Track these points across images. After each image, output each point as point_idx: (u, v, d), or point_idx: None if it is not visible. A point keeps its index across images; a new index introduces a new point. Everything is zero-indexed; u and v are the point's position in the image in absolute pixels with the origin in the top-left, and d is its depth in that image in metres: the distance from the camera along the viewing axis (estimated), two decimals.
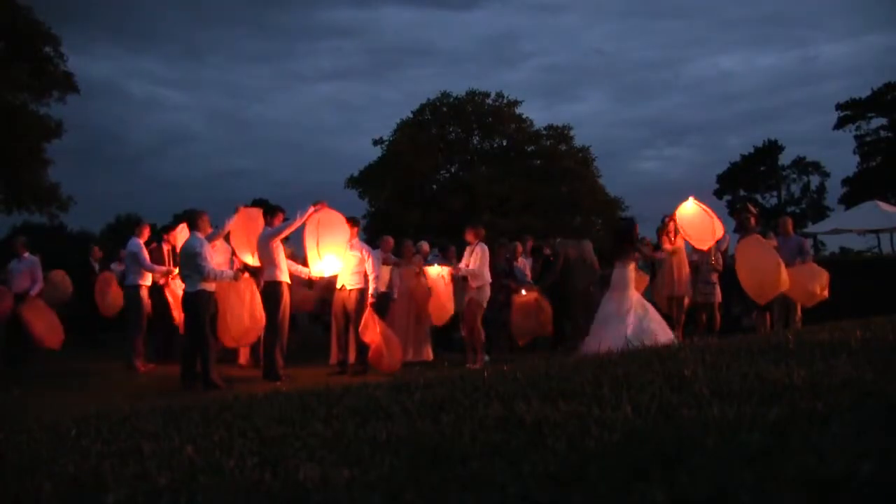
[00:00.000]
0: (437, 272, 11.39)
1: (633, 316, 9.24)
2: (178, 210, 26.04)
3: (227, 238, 10.17)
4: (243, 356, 10.98)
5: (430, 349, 11.59)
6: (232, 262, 10.46)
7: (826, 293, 10.04)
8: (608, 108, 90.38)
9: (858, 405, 2.39)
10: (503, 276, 12.21)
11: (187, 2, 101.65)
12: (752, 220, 11.04)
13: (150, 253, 11.19)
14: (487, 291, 10.83)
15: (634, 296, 9.55)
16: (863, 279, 12.93)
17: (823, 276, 10.10)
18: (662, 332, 9.09)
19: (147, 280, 10.91)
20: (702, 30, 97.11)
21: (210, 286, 9.06)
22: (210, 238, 9.49)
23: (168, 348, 11.39)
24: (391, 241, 11.88)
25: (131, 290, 10.83)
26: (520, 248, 13.27)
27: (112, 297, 12.76)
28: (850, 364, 3.17)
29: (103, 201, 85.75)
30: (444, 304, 11.32)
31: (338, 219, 10.06)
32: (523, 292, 12.13)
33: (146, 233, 11.14)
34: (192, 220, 9.40)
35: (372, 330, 9.89)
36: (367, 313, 9.99)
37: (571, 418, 2.52)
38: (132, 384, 9.31)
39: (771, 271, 9.70)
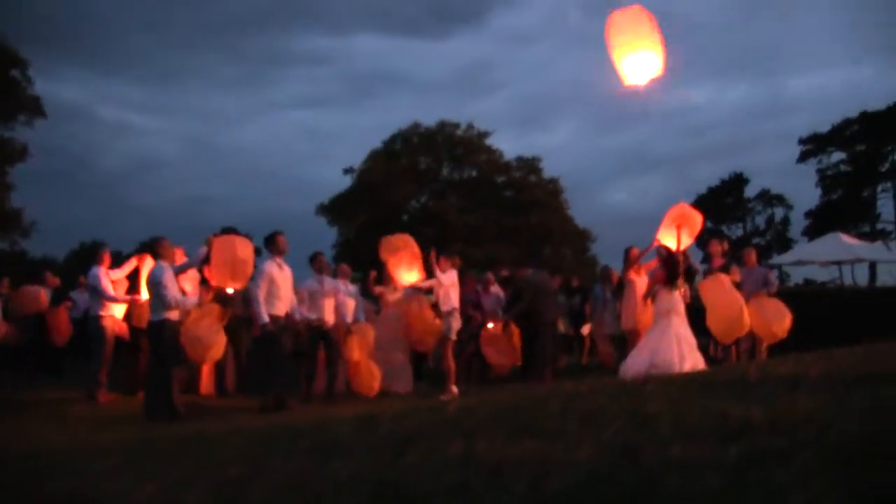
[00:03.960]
0: (421, 298, 11.36)
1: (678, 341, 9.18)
2: (147, 237, 25.81)
3: (200, 267, 10.06)
4: (205, 386, 10.83)
5: (410, 379, 11.51)
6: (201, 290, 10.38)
7: (786, 334, 10.21)
8: (579, 138, 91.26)
9: (818, 442, 2.40)
10: (470, 306, 12.22)
11: (159, 26, 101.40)
12: (719, 256, 11.25)
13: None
14: (458, 322, 10.81)
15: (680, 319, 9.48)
16: (826, 310, 13.12)
17: (787, 318, 10.28)
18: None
19: (110, 310, 10.64)
20: (672, 60, 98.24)
21: (174, 315, 8.95)
22: (183, 268, 9.43)
23: (136, 379, 11.17)
24: (347, 269, 11.79)
25: (93, 321, 10.59)
26: (491, 278, 13.30)
27: (60, 327, 12.65)
28: (810, 399, 3.19)
29: (71, 227, 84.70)
30: (427, 331, 11.25)
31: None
32: (490, 325, 12.13)
33: (107, 260, 10.91)
34: (156, 248, 9.30)
35: (351, 354, 9.91)
36: (350, 337, 10.15)
37: (533, 457, 2.50)
38: (95, 415, 9.14)
39: (734, 315, 9.88)
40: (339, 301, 10.64)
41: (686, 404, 3.44)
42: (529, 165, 47.55)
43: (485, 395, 9.25)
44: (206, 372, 10.77)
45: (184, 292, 9.48)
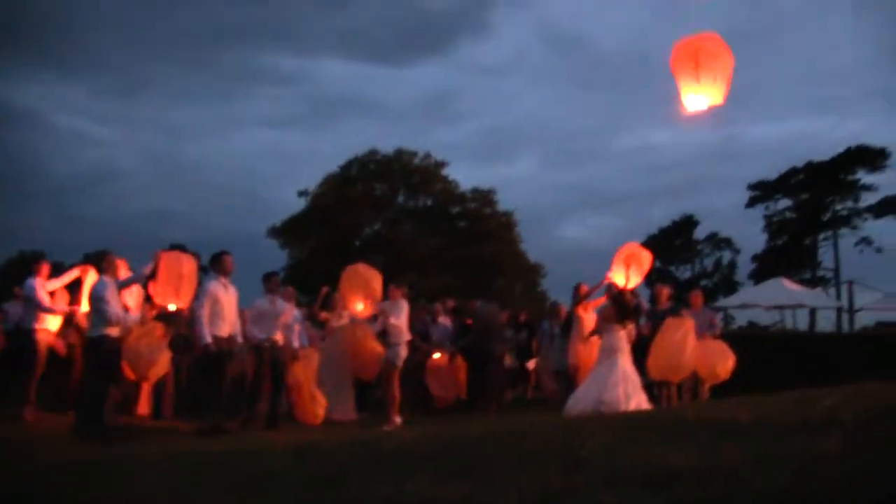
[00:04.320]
0: (365, 327, 11.25)
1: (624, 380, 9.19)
2: (93, 249, 25.27)
3: (145, 283, 9.86)
4: (142, 407, 10.56)
5: (353, 407, 11.38)
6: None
7: (728, 375, 10.39)
8: (538, 173, 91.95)
9: (741, 495, 2.41)
10: (419, 337, 12.18)
11: (123, 34, 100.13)
12: (666, 299, 11.41)
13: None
14: (405, 351, 10.76)
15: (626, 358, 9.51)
16: (768, 353, 13.35)
17: (730, 360, 10.47)
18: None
19: (45, 323, 10.27)
20: (634, 102, 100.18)
21: (114, 331, 8.76)
22: (126, 283, 9.25)
23: (67, 395, 10.82)
24: (293, 292, 11.65)
25: (26, 334, 10.20)
26: (440, 309, 13.28)
27: None
28: (739, 448, 3.22)
29: (15, 236, 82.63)
30: (370, 360, 11.15)
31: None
32: (437, 355, 12.10)
33: (46, 271, 10.57)
34: (100, 262, 9.12)
35: (296, 379, 9.79)
36: (295, 362, 10.04)
37: (459, 502, 2.48)
38: (20, 436, 8.84)
39: (679, 363, 10.03)
40: (287, 324, 10.51)
41: (619, 449, 3.45)
42: (485, 197, 47.78)
43: (428, 426, 9.20)
44: (144, 392, 10.50)
45: (126, 308, 9.28)
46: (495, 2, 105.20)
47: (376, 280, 11.29)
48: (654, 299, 11.55)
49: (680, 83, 6.60)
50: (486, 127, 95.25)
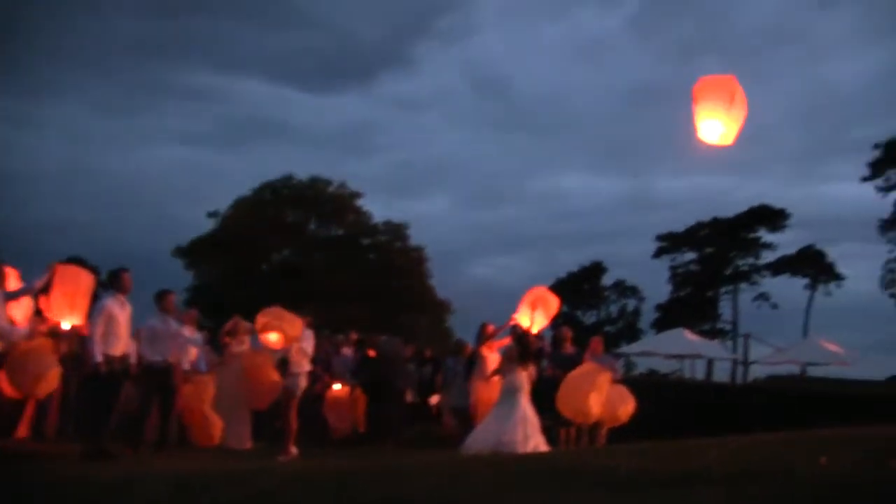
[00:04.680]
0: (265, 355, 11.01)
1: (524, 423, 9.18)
2: None
3: (36, 296, 9.45)
4: (22, 428, 10.05)
5: (248, 435, 11.11)
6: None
7: (627, 418, 10.57)
8: (451, 211, 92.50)
9: None
10: (320, 367, 12.05)
11: (34, 36, 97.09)
12: (569, 342, 11.57)
13: None
14: (305, 381, 10.60)
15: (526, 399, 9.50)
16: (667, 399, 13.66)
17: (630, 404, 10.65)
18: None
19: None
20: (550, 148, 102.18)
21: None
22: (16, 295, 8.87)
23: None
24: (195, 315, 11.39)
25: None
26: (343, 340, 13.18)
27: None
28: (614, 499, 3.25)
29: None
30: (267, 388, 10.91)
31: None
32: (337, 386, 11.98)
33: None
34: None
35: (189, 402, 9.57)
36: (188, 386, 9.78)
37: None
38: None
39: (585, 404, 10.16)
40: (181, 345, 10.20)
41: (495, 496, 3.44)
42: (397, 231, 47.83)
43: (324, 458, 9.07)
44: (26, 414, 9.95)
45: (12, 321, 8.89)
46: (421, 37, 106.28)
47: (296, 323, 10.99)
48: (557, 342, 11.70)
49: (703, 112, 6.86)
50: (402, 161, 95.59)
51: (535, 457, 7.45)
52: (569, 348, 11.69)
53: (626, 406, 10.68)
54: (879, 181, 48.39)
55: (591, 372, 10.45)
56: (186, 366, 10.32)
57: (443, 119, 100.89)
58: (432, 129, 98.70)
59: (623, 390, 10.95)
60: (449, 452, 9.40)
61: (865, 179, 48.92)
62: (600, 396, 10.21)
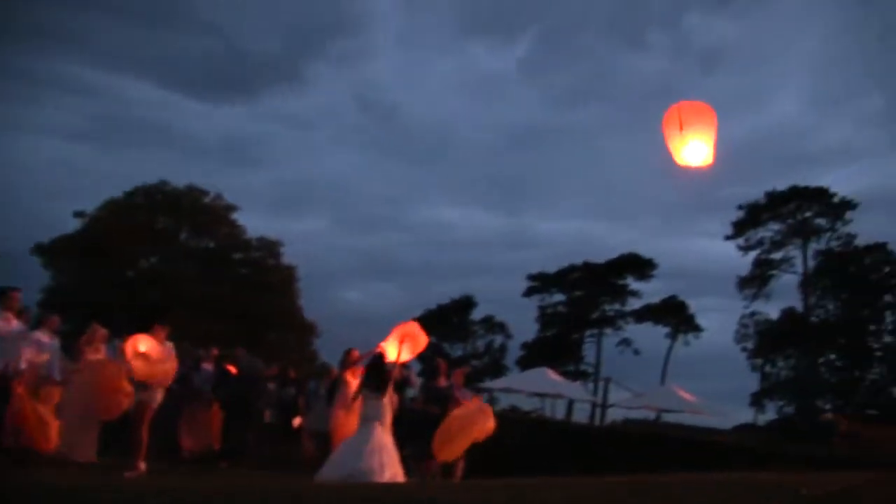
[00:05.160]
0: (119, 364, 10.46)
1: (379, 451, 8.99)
2: None
3: None
4: None
5: (94, 448, 10.47)
6: None
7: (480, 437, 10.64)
8: (328, 232, 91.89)
9: None
10: (178, 381, 11.60)
11: None
12: (444, 375, 11.55)
13: None
14: (160, 394, 10.16)
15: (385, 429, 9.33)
16: (526, 436, 13.81)
17: (490, 422, 10.71)
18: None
19: None
20: (432, 178, 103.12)
21: None
22: None
23: None
24: (56, 321, 10.80)
25: None
26: (204, 355, 12.77)
27: None
28: None
29: None
30: (117, 401, 10.35)
31: None
32: (194, 402, 11.58)
33: None
34: None
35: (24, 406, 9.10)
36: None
37: None
38: None
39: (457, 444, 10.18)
40: (24, 346, 9.58)
41: None
42: (270, 248, 47.01)
43: (170, 476, 8.74)
44: None
45: None
46: (314, 56, 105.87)
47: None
48: (432, 374, 11.61)
49: (675, 138, 6.98)
50: (283, 178, 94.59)
51: (387, 487, 7.36)
52: (442, 381, 11.64)
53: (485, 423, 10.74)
54: (741, 240, 51.37)
55: (475, 418, 10.49)
56: (22, 366, 9.67)
57: (328, 140, 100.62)
58: (317, 149, 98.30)
59: (486, 409, 11.01)
60: (303, 478, 9.22)
61: (728, 238, 51.75)
62: (472, 435, 10.27)
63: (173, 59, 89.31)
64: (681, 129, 6.85)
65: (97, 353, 10.77)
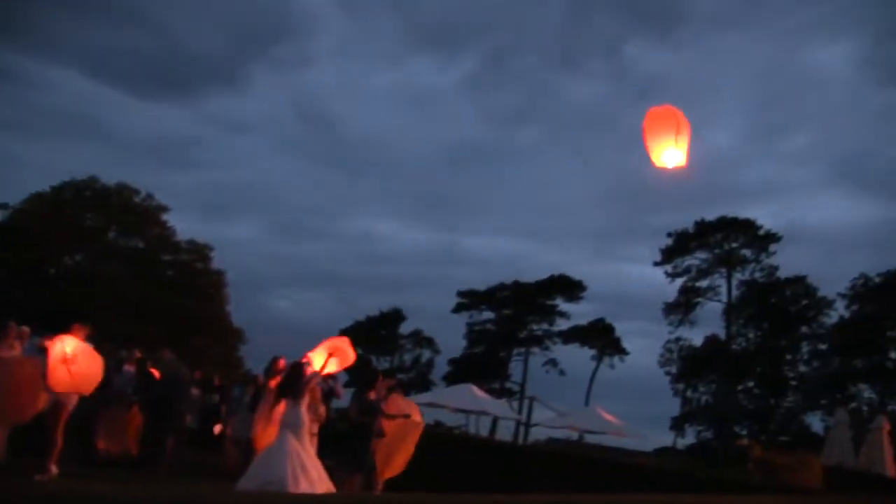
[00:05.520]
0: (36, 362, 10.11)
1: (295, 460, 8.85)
2: None
3: None
4: None
5: (4, 450, 10.08)
6: None
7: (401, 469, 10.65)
8: (260, 239, 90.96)
9: None
10: (98, 383, 11.31)
11: None
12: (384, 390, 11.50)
13: None
14: (76, 396, 9.88)
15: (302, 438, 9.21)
16: (449, 452, 13.82)
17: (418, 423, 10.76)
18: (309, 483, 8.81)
19: None
20: (367, 190, 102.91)
21: None
22: None
23: None
24: None
25: None
26: (126, 357, 12.50)
27: None
28: None
29: None
30: (29, 400, 10.01)
31: None
32: (113, 405, 11.31)
33: None
34: None
35: None
36: None
37: None
38: None
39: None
40: None
41: None
42: (200, 251, 46.30)
43: (84, 480, 8.52)
44: None
45: None
46: (255, 60, 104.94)
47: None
48: (365, 386, 11.46)
49: (655, 142, 7.21)
50: (217, 182, 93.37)
51: (300, 498, 7.29)
52: (373, 394, 11.55)
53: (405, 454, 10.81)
54: (668, 267, 52.37)
55: (408, 430, 10.52)
56: None
57: (265, 145, 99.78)
58: (253, 155, 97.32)
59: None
60: (223, 486, 9.08)
61: (657, 264, 52.74)
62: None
63: (109, 52, 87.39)
64: (679, 129, 7.10)
65: (11, 351, 10.41)
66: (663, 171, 7.24)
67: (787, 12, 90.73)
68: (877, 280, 46.56)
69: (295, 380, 9.52)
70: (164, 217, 46.13)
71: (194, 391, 13.25)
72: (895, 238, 75.33)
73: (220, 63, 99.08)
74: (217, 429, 13.97)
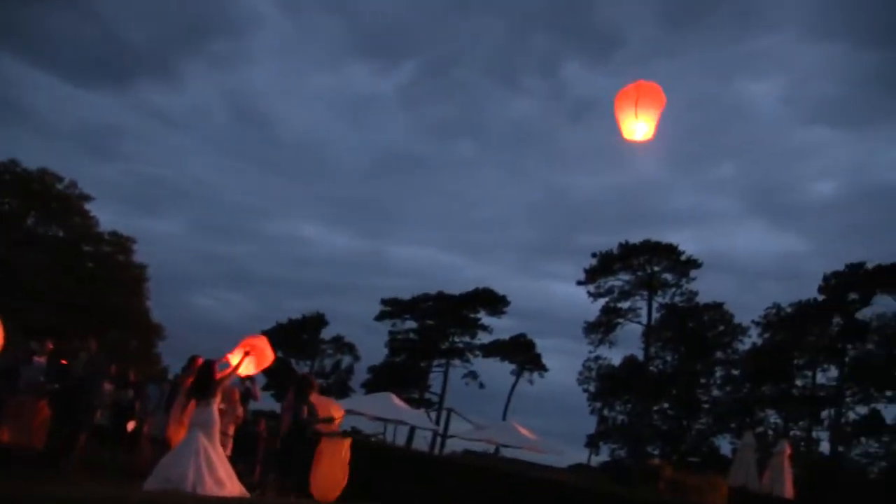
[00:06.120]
0: None
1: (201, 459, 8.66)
2: None
3: None
4: None
5: None
6: None
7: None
8: (185, 235, 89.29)
9: None
10: (5, 374, 10.98)
11: None
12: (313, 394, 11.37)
13: None
14: None
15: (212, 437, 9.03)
16: (368, 461, 13.74)
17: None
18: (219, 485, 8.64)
19: None
20: (297, 193, 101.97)
21: None
22: None
23: None
24: None
25: None
26: (37, 348, 12.09)
27: None
28: None
29: None
30: None
31: None
32: (21, 398, 10.96)
33: None
34: None
35: None
36: None
37: None
38: None
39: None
40: None
41: None
42: (123, 244, 45.26)
43: None
44: None
45: None
46: (190, 54, 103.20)
47: None
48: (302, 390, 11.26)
49: (623, 116, 7.37)
50: (145, 174, 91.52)
51: (202, 500, 7.18)
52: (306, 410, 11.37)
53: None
54: (591, 287, 53.11)
55: (336, 447, 10.45)
56: None
57: (196, 141, 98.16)
58: (183, 149, 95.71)
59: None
60: (132, 485, 8.89)
61: (580, 283, 53.46)
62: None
63: (41, 34, 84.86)
64: (636, 107, 7.25)
65: None
66: (632, 142, 7.45)
67: (720, 46, 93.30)
68: (788, 310, 48.26)
69: (207, 379, 9.39)
70: (87, 207, 45.03)
71: (107, 386, 12.91)
72: (808, 270, 77.90)
73: (157, 55, 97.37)
74: (130, 426, 13.65)
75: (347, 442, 10.75)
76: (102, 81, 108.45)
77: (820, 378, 47.37)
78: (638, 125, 7.31)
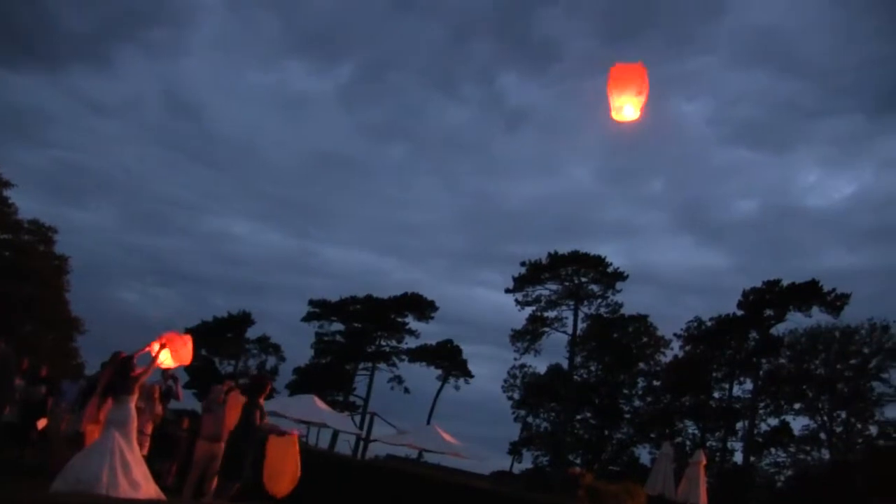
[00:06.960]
0: None
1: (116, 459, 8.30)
2: None
3: None
4: None
5: None
6: None
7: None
8: (110, 227, 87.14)
9: None
10: None
11: None
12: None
13: None
14: None
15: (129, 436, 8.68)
16: None
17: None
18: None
19: None
20: (228, 189, 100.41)
21: None
22: None
23: None
24: None
25: None
26: None
27: None
28: None
29: None
30: None
31: None
32: None
33: None
34: None
35: None
36: None
37: None
38: None
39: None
40: None
41: None
42: (43, 233, 43.78)
43: None
44: None
45: None
46: (125, 41, 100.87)
47: None
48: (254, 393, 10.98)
49: (614, 96, 7.49)
50: (71, 162, 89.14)
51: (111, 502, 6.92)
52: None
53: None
54: (519, 295, 53.49)
55: (286, 447, 10.25)
56: None
57: (127, 130, 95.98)
58: (113, 138, 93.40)
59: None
60: (32, 486, 8.53)
61: (508, 291, 53.80)
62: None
63: None
64: (638, 85, 7.39)
65: None
66: (620, 123, 7.53)
67: (654, 64, 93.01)
68: (708, 324, 49.37)
69: (123, 375, 9.05)
70: (6, 193, 43.37)
71: (17, 382, 12.41)
72: (729, 285, 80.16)
73: (90, 40, 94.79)
74: (41, 423, 13.15)
75: (295, 437, 10.56)
76: (31, 64, 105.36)
77: (736, 390, 48.73)
78: (626, 106, 7.43)
